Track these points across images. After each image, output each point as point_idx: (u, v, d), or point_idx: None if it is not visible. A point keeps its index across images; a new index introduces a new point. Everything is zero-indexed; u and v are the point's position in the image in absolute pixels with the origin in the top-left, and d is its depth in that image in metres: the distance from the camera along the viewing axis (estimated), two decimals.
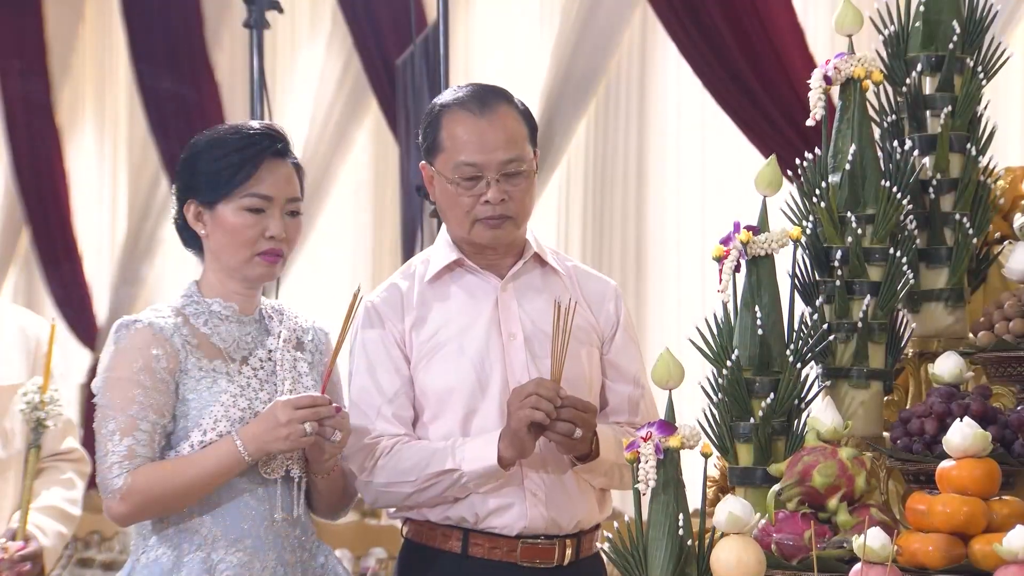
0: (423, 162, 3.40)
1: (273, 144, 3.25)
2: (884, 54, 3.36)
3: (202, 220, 3.26)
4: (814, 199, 3.21)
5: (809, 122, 3.24)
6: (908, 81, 3.30)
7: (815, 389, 3.10)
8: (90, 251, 11.81)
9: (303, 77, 9.83)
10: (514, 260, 3.42)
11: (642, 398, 3.44)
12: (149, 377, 3.17)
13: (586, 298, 3.43)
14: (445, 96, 3.42)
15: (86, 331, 11.62)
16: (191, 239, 3.32)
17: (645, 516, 2.86)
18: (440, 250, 3.42)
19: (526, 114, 3.40)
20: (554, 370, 3.21)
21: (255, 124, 3.31)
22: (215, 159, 3.23)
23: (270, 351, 3.29)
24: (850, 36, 3.27)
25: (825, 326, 3.13)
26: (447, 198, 3.35)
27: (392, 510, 3.44)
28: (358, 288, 3.25)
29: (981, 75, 3.29)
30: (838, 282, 3.14)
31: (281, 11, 5.05)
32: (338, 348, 3.23)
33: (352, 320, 3.24)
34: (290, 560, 3.25)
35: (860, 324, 3.12)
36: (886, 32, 3.36)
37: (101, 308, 11.67)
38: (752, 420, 3.03)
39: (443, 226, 3.47)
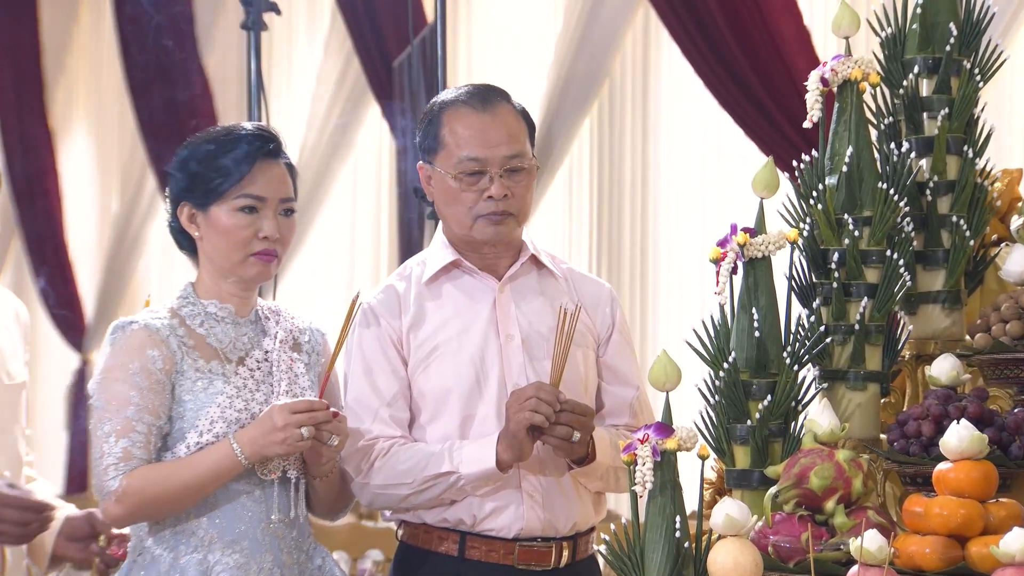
0: (420, 162, 3.41)
1: (265, 145, 3.25)
2: (881, 56, 3.36)
3: (196, 222, 3.26)
4: (811, 201, 3.21)
5: (806, 124, 3.24)
6: (905, 83, 3.30)
7: (812, 391, 3.10)
8: (79, 253, 11.80)
9: (300, 78, 9.82)
10: (511, 261, 3.42)
11: (638, 400, 3.44)
12: (145, 378, 3.17)
13: (582, 301, 3.43)
14: (445, 95, 3.42)
15: (75, 333, 11.60)
16: (185, 241, 3.32)
17: (642, 518, 2.86)
18: (437, 251, 3.42)
19: (524, 114, 3.41)
20: (554, 374, 3.21)
21: (247, 125, 3.32)
22: (208, 161, 3.24)
23: (266, 352, 3.29)
24: (847, 38, 3.28)
25: (822, 328, 3.13)
26: (448, 195, 3.35)
27: (388, 512, 3.44)
28: (357, 293, 3.25)
29: (978, 77, 3.29)
30: (835, 284, 3.14)
31: (279, 13, 5.05)
32: (336, 352, 3.23)
33: (351, 324, 3.24)
34: (287, 561, 3.25)
35: (857, 326, 3.12)
36: (883, 34, 3.36)
37: (89, 310, 11.66)
38: (749, 422, 3.03)
39: (439, 227, 3.47)
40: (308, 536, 3.32)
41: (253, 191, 3.23)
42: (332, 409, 3.17)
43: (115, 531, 3.52)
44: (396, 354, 3.37)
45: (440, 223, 3.46)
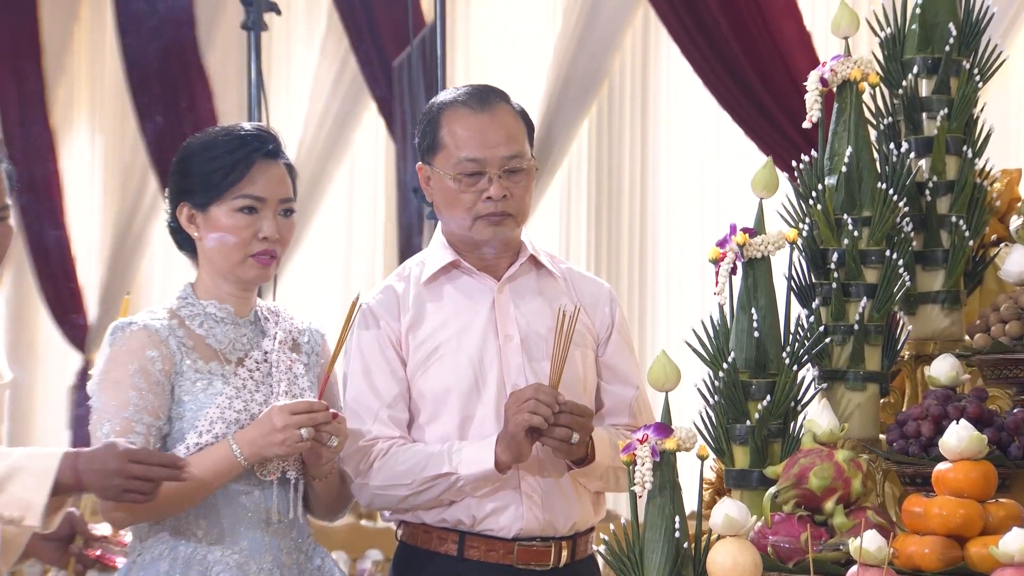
0: (420, 163, 3.41)
1: (265, 145, 3.25)
2: (881, 56, 3.36)
3: (195, 222, 3.26)
4: (810, 201, 3.21)
5: (805, 124, 3.24)
6: (904, 83, 3.30)
7: (811, 391, 3.10)
8: (82, 252, 11.81)
9: (299, 78, 9.83)
10: (510, 262, 3.42)
11: (638, 400, 3.44)
12: (144, 379, 3.17)
13: (581, 300, 3.44)
14: (444, 96, 3.42)
15: (77, 333, 11.61)
16: (185, 242, 3.32)
17: (641, 519, 2.86)
18: (436, 252, 3.43)
19: (523, 114, 3.41)
20: (553, 375, 3.22)
21: (247, 126, 3.31)
22: (207, 161, 3.23)
23: (266, 352, 3.29)
24: (846, 38, 3.28)
25: (821, 328, 3.13)
26: (447, 196, 3.35)
27: (387, 513, 3.45)
28: (357, 295, 3.25)
29: (977, 77, 3.29)
30: (834, 284, 3.14)
31: (279, 13, 5.05)
32: (336, 353, 3.23)
33: (351, 326, 3.24)
34: (286, 562, 3.25)
35: (856, 326, 3.12)
36: (883, 34, 3.36)
37: (92, 309, 11.66)
38: (748, 422, 3.03)
39: (438, 228, 3.47)
40: (307, 536, 3.32)
41: (252, 192, 3.22)
42: (331, 410, 3.17)
43: (96, 532, 3.49)
44: (395, 355, 3.37)
45: (439, 223, 3.47)
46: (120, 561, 3.46)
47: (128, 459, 3.02)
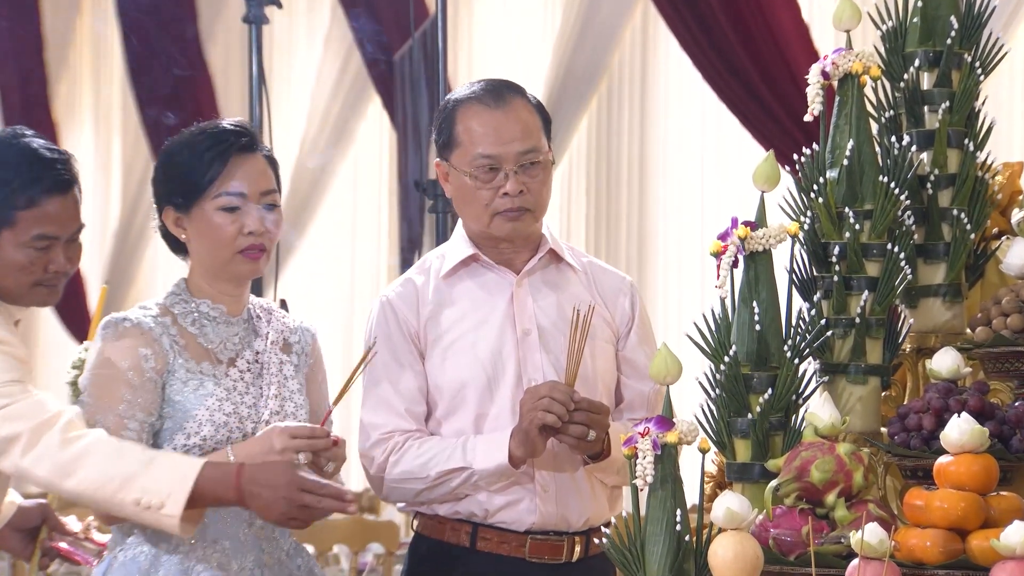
0: (437, 159, 3.41)
1: (238, 140, 3.21)
2: (882, 49, 3.36)
3: (181, 225, 3.24)
4: (812, 194, 3.21)
5: (807, 117, 3.24)
6: (906, 76, 3.30)
7: (813, 385, 3.10)
8: (84, 245, 11.79)
9: (301, 72, 9.83)
10: (530, 255, 3.42)
11: (656, 394, 3.44)
12: (137, 376, 3.15)
13: (601, 294, 3.44)
14: (459, 92, 3.42)
15: (79, 326, 11.61)
16: (176, 245, 3.29)
17: (643, 512, 2.86)
18: (456, 245, 3.43)
19: (540, 107, 3.40)
20: (569, 373, 3.22)
21: (223, 123, 3.26)
22: (184, 163, 3.21)
23: (257, 353, 3.27)
24: (848, 31, 3.27)
25: (823, 322, 3.13)
26: (464, 193, 3.35)
27: (401, 504, 3.47)
28: (374, 341, 3.25)
29: (979, 71, 3.28)
30: (836, 278, 3.14)
31: (280, 6, 5.04)
32: (342, 394, 3.21)
33: (359, 373, 3.22)
34: (268, 561, 3.23)
35: (858, 320, 3.11)
36: (884, 27, 3.36)
37: (94, 302, 11.65)
38: (750, 416, 3.03)
39: (459, 221, 3.47)
40: (288, 536, 3.30)
41: (232, 188, 3.19)
42: (333, 437, 3.15)
43: (68, 527, 3.46)
44: (414, 347, 3.37)
45: (460, 218, 3.47)
46: (90, 558, 3.42)
47: (299, 487, 3.01)
